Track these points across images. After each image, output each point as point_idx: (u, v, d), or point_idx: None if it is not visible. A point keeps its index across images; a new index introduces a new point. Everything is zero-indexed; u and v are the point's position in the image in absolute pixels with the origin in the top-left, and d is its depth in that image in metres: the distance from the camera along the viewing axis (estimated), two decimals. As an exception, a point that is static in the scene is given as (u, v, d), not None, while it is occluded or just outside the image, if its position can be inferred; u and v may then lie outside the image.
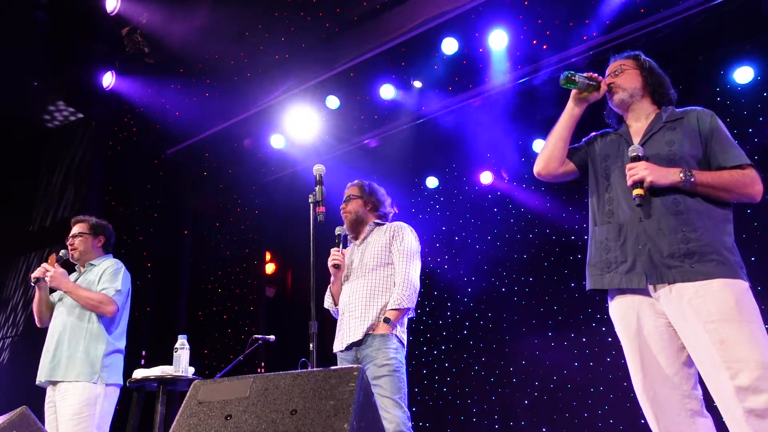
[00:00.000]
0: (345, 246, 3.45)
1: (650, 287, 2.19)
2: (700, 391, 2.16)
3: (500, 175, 6.39)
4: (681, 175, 2.17)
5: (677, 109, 2.42)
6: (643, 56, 2.51)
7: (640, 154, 2.26)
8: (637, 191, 2.20)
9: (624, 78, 2.45)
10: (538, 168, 2.52)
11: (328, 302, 3.45)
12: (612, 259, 2.27)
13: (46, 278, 3.46)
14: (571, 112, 2.48)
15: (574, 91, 2.45)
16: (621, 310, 2.30)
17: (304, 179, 6.49)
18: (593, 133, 2.62)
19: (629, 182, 2.23)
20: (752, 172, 2.22)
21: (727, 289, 2.06)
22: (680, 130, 2.30)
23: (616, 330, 2.33)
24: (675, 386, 2.15)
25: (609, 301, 2.37)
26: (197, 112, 6.27)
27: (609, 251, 2.29)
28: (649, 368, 2.19)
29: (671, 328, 2.18)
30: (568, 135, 2.49)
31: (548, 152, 2.49)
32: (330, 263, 3.32)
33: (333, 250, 3.32)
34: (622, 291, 2.28)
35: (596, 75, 2.44)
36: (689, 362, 2.15)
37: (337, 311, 3.40)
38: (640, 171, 2.21)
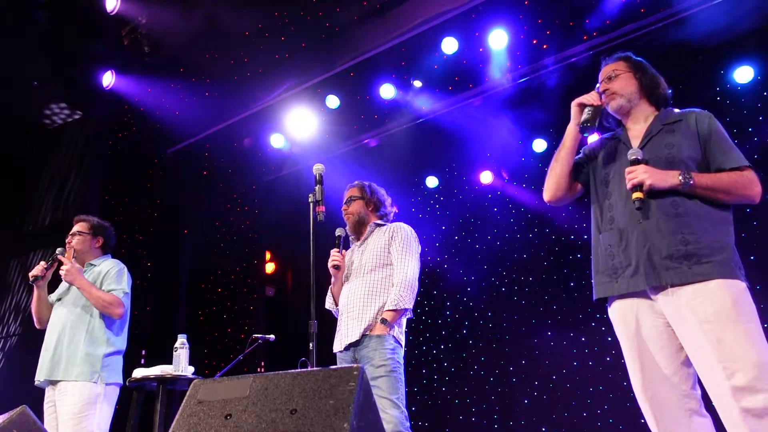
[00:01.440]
0: (346, 247, 3.45)
1: (649, 288, 2.19)
2: (699, 391, 2.16)
3: (500, 175, 6.39)
4: (680, 177, 2.16)
5: (675, 111, 2.40)
6: (633, 57, 2.49)
7: (639, 158, 2.26)
8: (637, 195, 2.20)
9: (619, 83, 2.43)
10: (548, 197, 2.51)
11: (329, 303, 3.46)
12: (618, 265, 2.27)
13: (61, 271, 3.44)
14: (574, 135, 2.45)
15: (577, 114, 2.43)
16: (620, 311, 2.30)
17: (304, 179, 6.49)
18: (592, 141, 2.60)
19: (628, 186, 2.22)
20: (751, 173, 2.22)
21: (725, 290, 2.06)
22: (679, 133, 2.30)
23: (616, 331, 2.33)
24: (674, 386, 2.15)
25: (609, 303, 2.37)
26: (197, 112, 6.27)
27: (614, 257, 2.29)
28: (647, 368, 2.19)
29: (670, 329, 2.18)
30: (573, 158, 2.47)
31: (556, 181, 2.47)
32: (330, 264, 3.33)
33: (333, 251, 3.33)
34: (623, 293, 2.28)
35: (597, 99, 2.40)
36: (688, 362, 2.15)
37: (338, 311, 3.41)
38: (639, 174, 2.20)
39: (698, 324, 2.05)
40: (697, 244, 2.12)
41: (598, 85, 2.49)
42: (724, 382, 1.97)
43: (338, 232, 3.40)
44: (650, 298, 2.21)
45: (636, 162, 2.25)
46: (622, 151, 2.38)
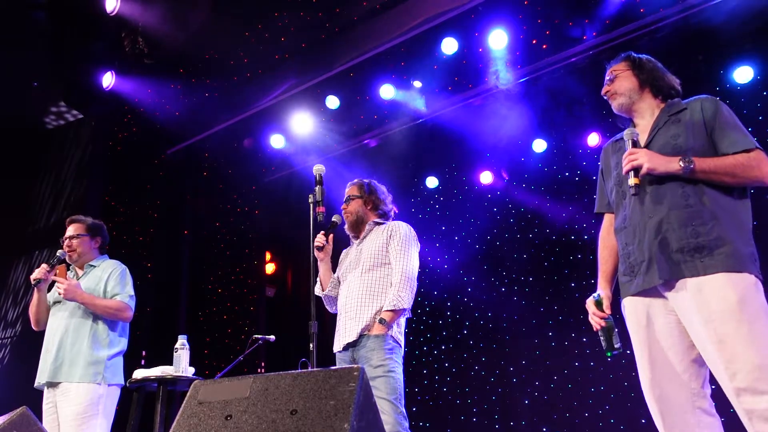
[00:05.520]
0: (336, 233, 3.44)
1: (661, 284, 2.15)
2: (709, 390, 2.13)
3: (500, 175, 6.39)
4: (680, 163, 2.13)
5: (684, 101, 2.36)
6: (634, 55, 2.48)
7: (635, 138, 2.26)
8: (633, 180, 2.18)
9: (617, 83, 2.42)
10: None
11: (317, 288, 3.41)
12: (634, 263, 2.24)
13: (59, 290, 3.38)
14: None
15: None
16: (631, 308, 2.27)
17: (304, 179, 6.50)
18: (605, 144, 2.57)
19: (625, 169, 2.20)
20: (759, 154, 2.15)
21: (731, 286, 2.02)
22: (684, 122, 2.26)
23: (627, 326, 2.30)
24: (683, 384, 2.11)
25: (621, 298, 2.34)
26: (197, 112, 6.27)
27: (630, 256, 2.26)
28: (656, 365, 2.16)
29: (681, 325, 2.14)
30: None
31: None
32: (314, 245, 3.30)
33: (319, 234, 3.31)
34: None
35: (596, 324, 2.35)
36: (699, 360, 2.11)
37: (327, 297, 3.41)
38: (639, 158, 2.18)
39: (703, 323, 2.01)
40: (708, 236, 2.08)
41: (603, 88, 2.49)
42: (728, 383, 1.95)
43: (334, 218, 3.39)
44: (663, 295, 2.18)
45: (635, 144, 2.24)
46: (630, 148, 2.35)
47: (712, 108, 2.26)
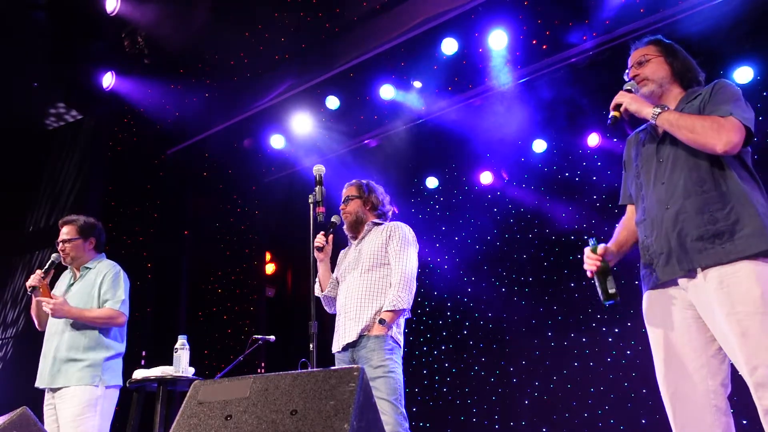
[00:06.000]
0: (334, 234, 3.43)
1: (680, 276, 2.11)
2: (728, 390, 2.08)
3: (500, 175, 6.40)
4: (655, 109, 2.18)
5: (704, 87, 2.31)
6: (664, 40, 2.40)
7: (633, 90, 2.31)
8: (613, 113, 2.27)
9: (650, 68, 2.34)
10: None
11: (317, 289, 3.40)
12: (653, 255, 2.19)
13: (46, 311, 3.36)
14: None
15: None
16: (649, 300, 2.24)
17: (304, 179, 6.50)
18: (628, 137, 2.54)
19: (612, 105, 2.28)
20: (728, 121, 2.06)
21: (755, 276, 1.95)
22: (696, 107, 2.22)
23: (645, 321, 2.26)
24: (699, 380, 2.06)
25: (643, 292, 2.29)
26: (197, 112, 6.27)
27: (649, 248, 2.22)
28: (671, 361, 2.11)
29: (700, 320, 2.09)
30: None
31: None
32: (314, 245, 3.30)
33: (319, 234, 3.30)
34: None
35: (596, 262, 2.28)
36: (719, 357, 2.07)
37: (326, 298, 3.41)
38: (624, 97, 2.26)
39: (725, 314, 1.95)
40: (726, 221, 2.02)
41: (627, 71, 2.41)
42: (748, 378, 1.90)
43: (334, 218, 3.38)
44: (682, 288, 2.13)
45: (629, 92, 2.31)
46: (648, 140, 2.33)
47: (717, 87, 2.22)
